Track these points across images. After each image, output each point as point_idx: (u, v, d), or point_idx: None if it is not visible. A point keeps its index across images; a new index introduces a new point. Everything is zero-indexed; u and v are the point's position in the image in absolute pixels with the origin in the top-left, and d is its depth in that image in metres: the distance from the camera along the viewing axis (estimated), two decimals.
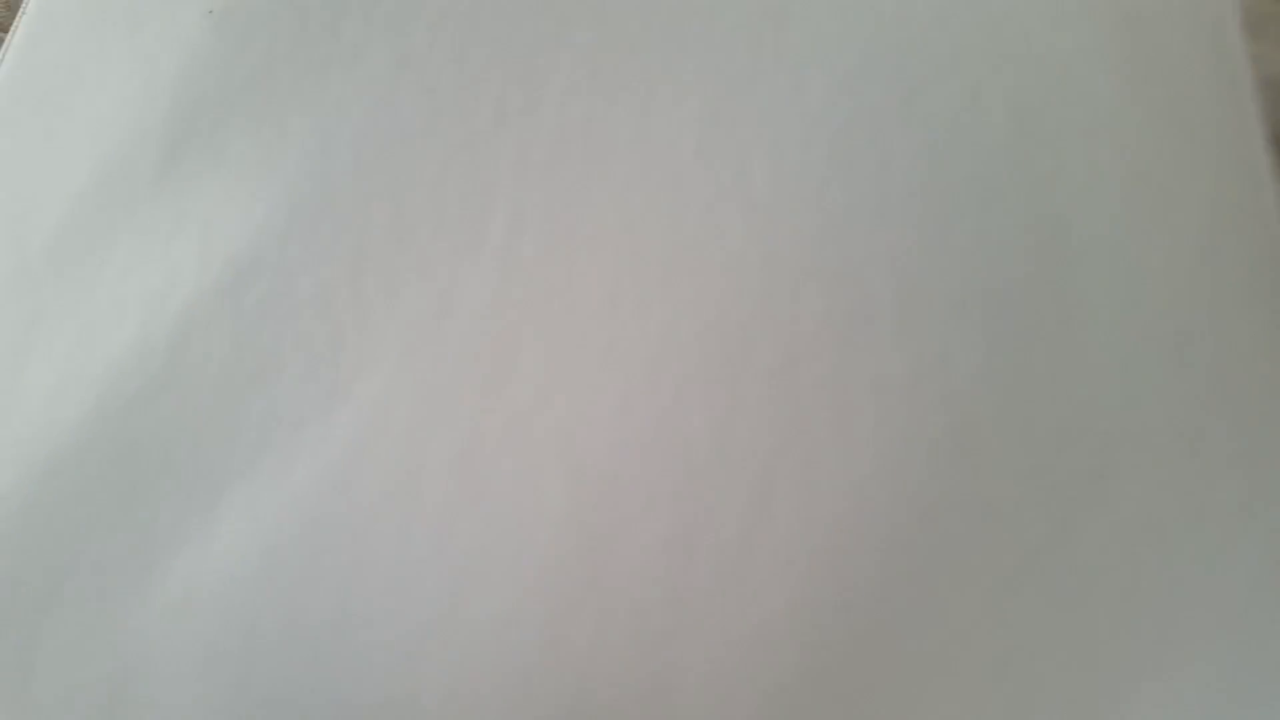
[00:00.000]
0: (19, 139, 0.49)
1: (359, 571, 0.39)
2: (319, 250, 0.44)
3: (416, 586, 0.39)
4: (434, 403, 0.42)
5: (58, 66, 0.50)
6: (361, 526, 0.40)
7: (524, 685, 0.38)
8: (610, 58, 0.48)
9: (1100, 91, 0.47)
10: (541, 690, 0.38)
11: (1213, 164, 0.46)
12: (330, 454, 0.41)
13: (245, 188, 0.46)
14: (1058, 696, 0.38)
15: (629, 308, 0.43)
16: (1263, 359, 0.42)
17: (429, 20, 0.49)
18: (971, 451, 0.40)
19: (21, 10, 0.52)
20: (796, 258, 0.43)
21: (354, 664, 0.38)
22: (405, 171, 0.46)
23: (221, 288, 0.44)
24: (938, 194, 0.44)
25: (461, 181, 0.46)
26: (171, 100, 0.49)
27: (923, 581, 0.39)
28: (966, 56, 0.47)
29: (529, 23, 0.49)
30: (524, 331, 0.43)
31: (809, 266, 0.43)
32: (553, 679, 0.38)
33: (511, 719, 0.38)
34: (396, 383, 0.42)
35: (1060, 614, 0.38)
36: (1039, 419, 0.41)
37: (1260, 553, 0.40)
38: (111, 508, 0.41)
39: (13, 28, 0.51)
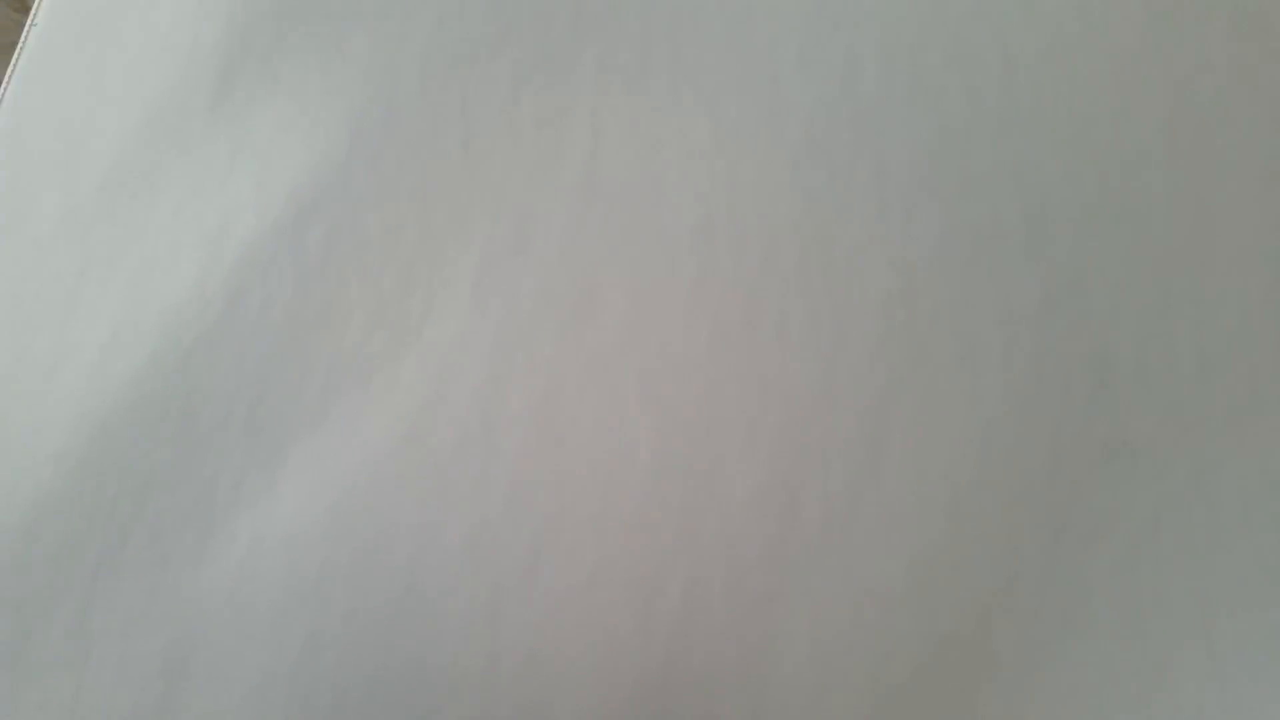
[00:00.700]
0: (64, 71, 0.47)
1: (432, 530, 0.38)
2: (385, 181, 0.43)
3: (493, 545, 0.37)
4: (510, 346, 0.40)
5: None
6: (434, 482, 0.38)
7: (609, 652, 0.36)
8: None
9: None
10: (628, 657, 0.36)
11: None
12: (400, 405, 0.39)
13: (304, 114, 0.44)
14: (1197, 657, 0.34)
15: (722, 234, 0.40)
16: None
17: None
18: (1108, 386, 0.37)
19: None
20: (911, 171, 0.40)
21: (427, 628, 0.37)
22: (476, 90, 0.44)
23: (282, 226, 0.42)
24: (1068, 98, 0.41)
25: (537, 98, 0.43)
26: (225, 21, 0.47)
27: (1052, 534, 0.36)
28: None
29: None
30: (606, 265, 0.40)
31: (925, 181, 0.40)
32: (641, 646, 0.36)
33: (595, 687, 0.36)
34: (469, 325, 0.40)
35: (1200, 566, 0.35)
36: (1179, 349, 0.37)
37: None
38: (169, 467, 0.40)
39: None
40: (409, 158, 0.43)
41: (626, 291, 0.40)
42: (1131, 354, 0.37)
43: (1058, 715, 0.34)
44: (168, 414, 0.41)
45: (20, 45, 0.48)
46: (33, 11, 0.49)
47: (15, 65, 0.47)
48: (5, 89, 0.47)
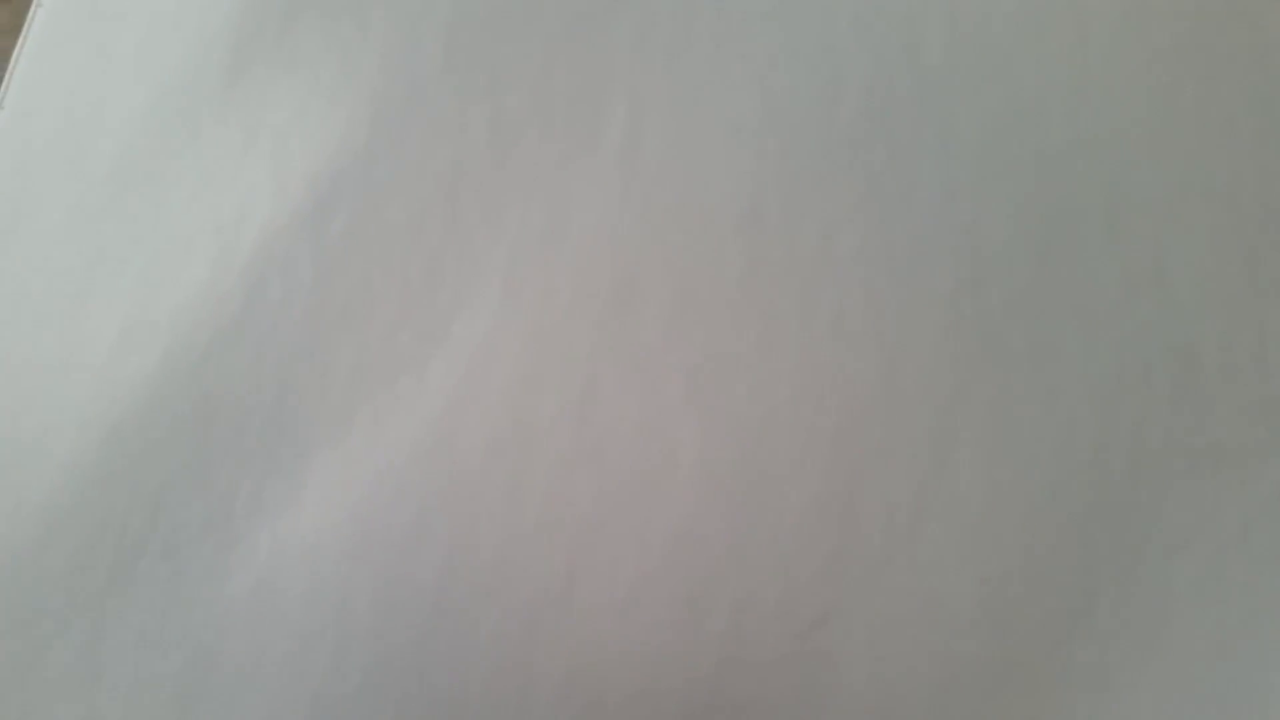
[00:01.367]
0: (72, 53, 0.46)
1: (462, 541, 0.37)
2: (409, 166, 0.41)
3: (528, 557, 0.36)
4: (544, 341, 0.38)
5: None
6: (464, 490, 0.37)
7: (653, 669, 0.35)
8: None
9: None
10: (674, 676, 0.35)
11: None
12: (428, 408, 0.38)
13: (323, 94, 0.43)
14: None
15: (773, 219, 0.39)
16: None
17: None
18: (1197, 381, 0.36)
19: None
20: (980, 148, 0.39)
21: (457, 649, 0.36)
22: (504, 67, 0.42)
23: (301, 216, 0.41)
24: (1148, 66, 0.39)
25: (571, 73, 0.42)
26: None
27: (1133, 548, 0.34)
28: None
29: None
30: (647, 254, 0.39)
31: (995, 159, 0.38)
32: (686, 664, 0.35)
33: (638, 709, 0.35)
34: (501, 320, 0.39)
35: None
36: (1270, 343, 0.36)
37: None
38: (184, 476, 0.39)
39: None
40: (434, 140, 0.42)
41: (669, 283, 0.39)
42: (1218, 349, 0.36)
43: None
44: (182, 418, 0.40)
45: (25, 28, 0.47)
46: None
47: (20, 50, 0.46)
48: (10, 74, 0.46)
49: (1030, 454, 0.35)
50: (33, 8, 0.47)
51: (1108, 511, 0.34)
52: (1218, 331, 0.36)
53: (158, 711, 0.37)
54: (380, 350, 0.39)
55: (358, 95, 0.43)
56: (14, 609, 0.39)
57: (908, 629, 0.34)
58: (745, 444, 0.36)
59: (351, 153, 0.42)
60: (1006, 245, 0.37)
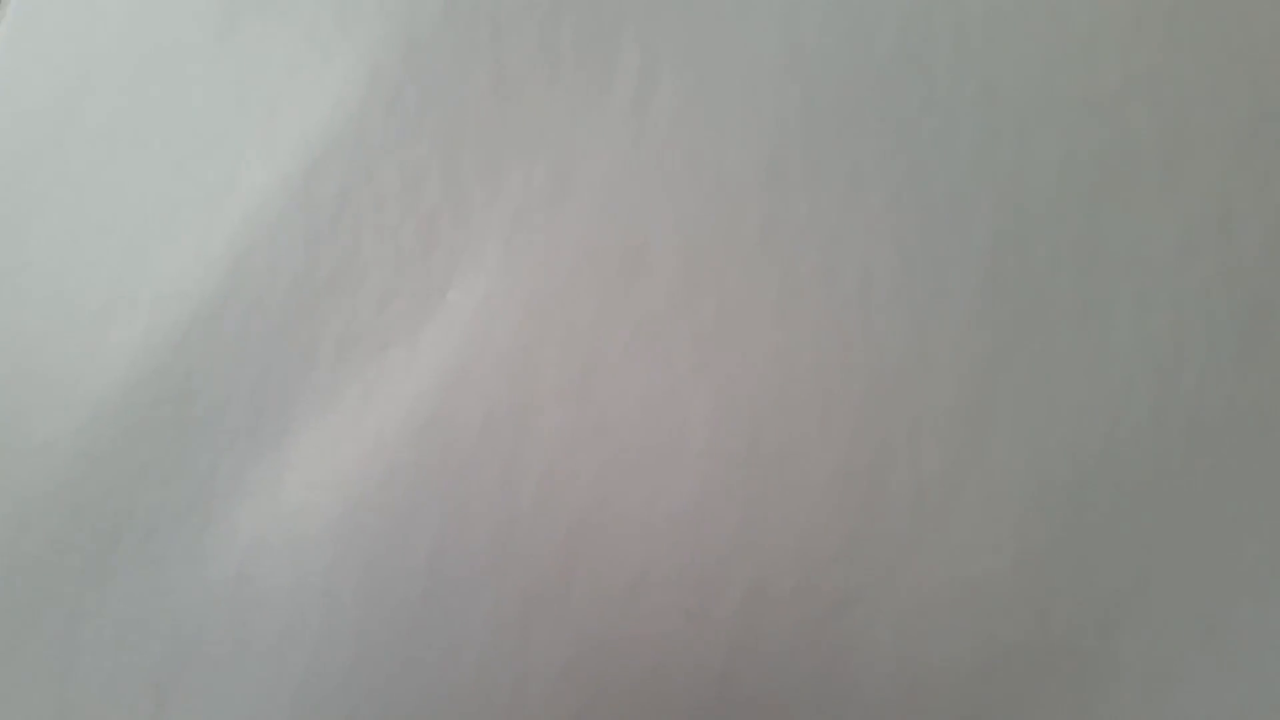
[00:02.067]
0: (56, 15, 0.45)
1: (456, 523, 0.36)
2: (405, 124, 0.40)
3: (525, 540, 0.36)
4: (546, 311, 0.37)
5: None
6: (458, 469, 0.37)
7: (658, 661, 0.34)
8: None
9: None
10: (681, 666, 0.34)
11: None
12: (420, 382, 0.38)
13: (316, 50, 0.42)
14: None
15: (795, 172, 0.37)
16: None
17: None
18: (1266, 343, 0.34)
19: None
20: (1024, 89, 0.37)
21: (448, 639, 0.35)
22: (508, 13, 0.41)
23: (291, 179, 0.40)
24: (1214, 22, 0.37)
25: (579, 18, 0.41)
26: None
27: (1190, 525, 0.33)
28: None
29: None
30: (658, 213, 0.38)
31: (1041, 100, 0.37)
32: (695, 658, 0.34)
33: (641, 708, 0.34)
34: (499, 287, 0.38)
35: None
36: None
37: None
38: (163, 456, 0.38)
39: None
40: (432, 95, 0.41)
41: (682, 244, 0.37)
42: None
43: None
44: (162, 397, 0.39)
45: None
46: None
47: (3, 12, 0.46)
48: None
49: (1077, 425, 0.34)
50: None
51: (1164, 487, 0.33)
52: None
53: (134, 704, 0.36)
54: (371, 320, 0.39)
55: (352, 51, 0.42)
56: None
57: (939, 615, 0.33)
58: (760, 417, 0.35)
59: (345, 112, 0.41)
60: (1053, 196, 0.36)
